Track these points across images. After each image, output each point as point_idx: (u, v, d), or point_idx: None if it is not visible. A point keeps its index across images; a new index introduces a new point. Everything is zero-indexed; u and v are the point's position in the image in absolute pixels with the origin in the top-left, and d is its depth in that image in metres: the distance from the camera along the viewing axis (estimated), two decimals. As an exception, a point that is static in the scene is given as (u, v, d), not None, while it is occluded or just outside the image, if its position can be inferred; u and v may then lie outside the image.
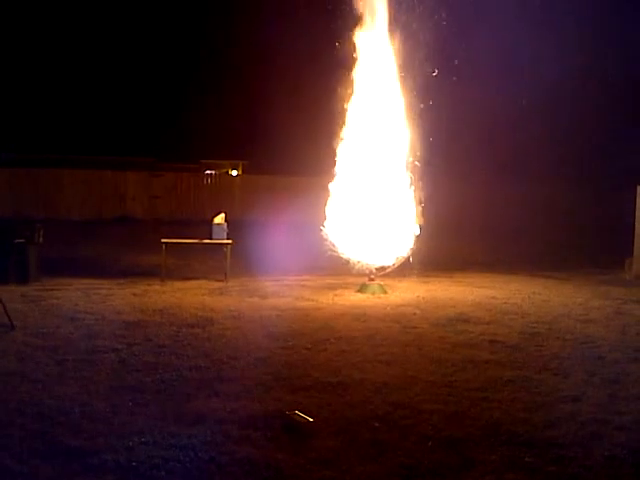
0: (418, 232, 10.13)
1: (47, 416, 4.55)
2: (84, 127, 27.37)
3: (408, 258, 10.18)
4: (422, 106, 9.74)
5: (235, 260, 11.30)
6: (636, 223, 12.32)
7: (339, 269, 10.56)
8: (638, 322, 8.17)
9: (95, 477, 3.71)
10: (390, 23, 9.85)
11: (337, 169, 10.29)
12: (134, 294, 9.42)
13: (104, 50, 27.83)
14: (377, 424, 4.55)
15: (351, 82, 10.04)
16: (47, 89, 27.43)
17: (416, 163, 10.07)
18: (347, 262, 10.25)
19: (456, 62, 10.89)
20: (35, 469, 3.78)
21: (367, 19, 9.90)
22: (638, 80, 25.00)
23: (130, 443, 4.12)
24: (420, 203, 10.13)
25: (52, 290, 9.47)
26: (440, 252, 12.70)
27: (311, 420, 4.46)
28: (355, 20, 9.80)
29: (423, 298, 9.59)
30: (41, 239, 10.57)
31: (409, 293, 10.04)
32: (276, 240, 14.35)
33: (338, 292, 9.97)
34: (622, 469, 3.96)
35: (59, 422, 4.45)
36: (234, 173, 32.23)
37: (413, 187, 10.13)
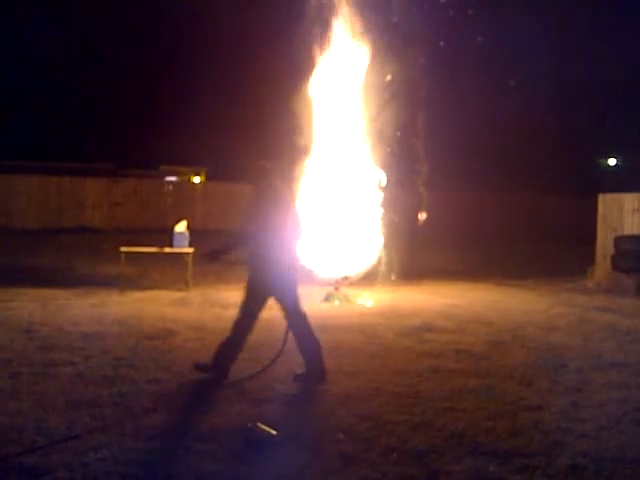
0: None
1: (-1, 433, 4.37)
2: (40, 132, 26.76)
3: (374, 267, 10.16)
4: (380, 115, 9.74)
5: (197, 269, 11.13)
6: (597, 231, 12.54)
7: (304, 278, 10.45)
8: (600, 329, 8.30)
9: (49, 496, 3.57)
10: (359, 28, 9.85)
11: (301, 177, 10.22)
12: (92, 305, 9.17)
13: (61, 53, 27.30)
14: (341, 436, 4.49)
15: (316, 85, 9.98)
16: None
17: (381, 177, 10.06)
18: (311, 271, 10.16)
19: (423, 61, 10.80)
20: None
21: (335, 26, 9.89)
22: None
23: (86, 459, 3.97)
24: (387, 212, 10.13)
25: (6, 301, 9.15)
26: (407, 261, 12.71)
27: (274, 433, 4.37)
28: (323, 24, 9.77)
29: (388, 307, 9.57)
30: None
31: (375, 302, 10.01)
32: (239, 249, 14.15)
33: (302, 301, 9.86)
34: (585, 477, 3.98)
35: (12, 439, 4.27)
36: (196, 180, 31.82)
37: (380, 195, 10.14)
